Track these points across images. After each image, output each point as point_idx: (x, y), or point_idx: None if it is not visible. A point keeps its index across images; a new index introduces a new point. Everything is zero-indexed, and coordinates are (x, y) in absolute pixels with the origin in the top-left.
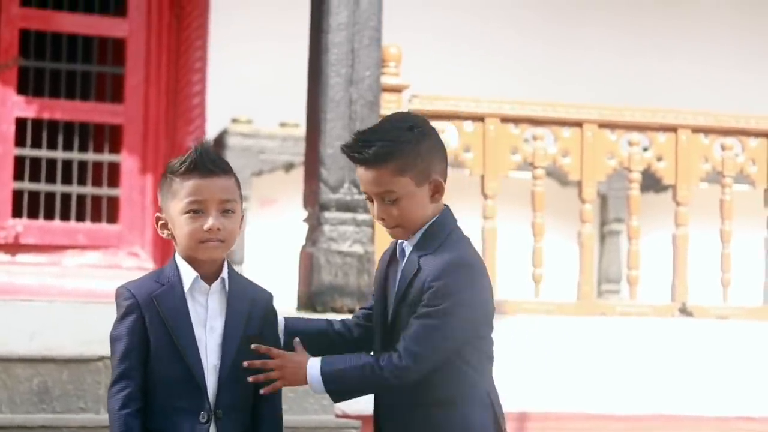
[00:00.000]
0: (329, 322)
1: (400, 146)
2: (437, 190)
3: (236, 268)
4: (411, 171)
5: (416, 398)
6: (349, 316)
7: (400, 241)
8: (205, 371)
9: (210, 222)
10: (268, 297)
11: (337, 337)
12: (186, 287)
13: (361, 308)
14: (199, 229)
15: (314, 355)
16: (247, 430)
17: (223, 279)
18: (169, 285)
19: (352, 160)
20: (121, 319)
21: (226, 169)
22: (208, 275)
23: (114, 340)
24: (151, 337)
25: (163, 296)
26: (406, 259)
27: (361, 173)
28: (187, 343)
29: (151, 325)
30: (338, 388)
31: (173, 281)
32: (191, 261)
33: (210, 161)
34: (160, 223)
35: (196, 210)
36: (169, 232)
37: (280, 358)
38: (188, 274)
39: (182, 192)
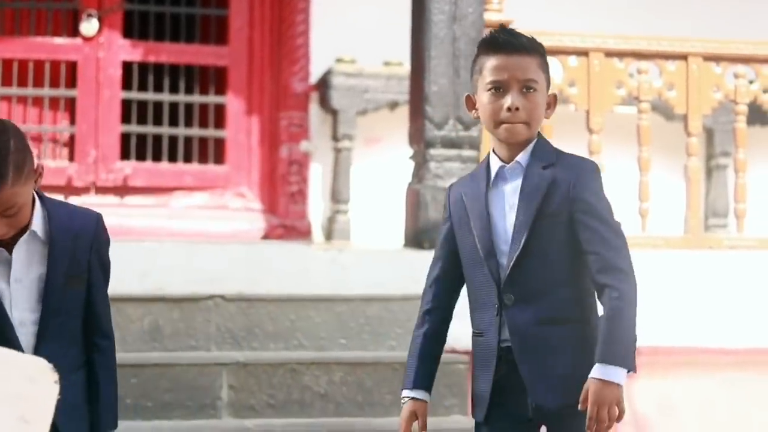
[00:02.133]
0: (430, 344)
1: (542, 47)
2: (552, 105)
3: (343, 207)
4: (546, 72)
5: (558, 312)
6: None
7: (496, 165)
8: (17, 327)
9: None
10: (93, 223)
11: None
12: None
13: (432, 290)
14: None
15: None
16: (77, 364)
17: (32, 232)
18: None
19: (504, 44)
20: None
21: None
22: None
23: None
24: None
25: None
26: (523, 174)
27: (506, 60)
28: None
29: None
30: (632, 355)
31: None
32: None
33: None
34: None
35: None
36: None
37: (585, 401)
38: None
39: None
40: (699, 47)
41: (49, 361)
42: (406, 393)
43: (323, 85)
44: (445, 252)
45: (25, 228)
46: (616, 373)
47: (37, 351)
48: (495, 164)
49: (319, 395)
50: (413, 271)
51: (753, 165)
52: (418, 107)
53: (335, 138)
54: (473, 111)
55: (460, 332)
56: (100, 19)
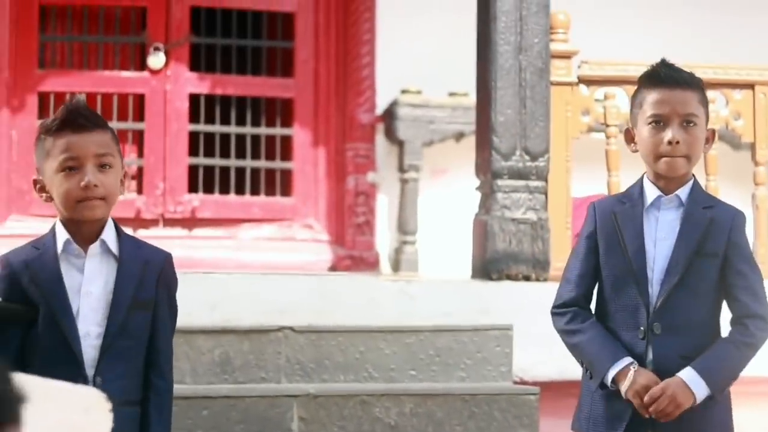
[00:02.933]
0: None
1: (702, 82)
2: (710, 140)
3: (410, 237)
4: (706, 107)
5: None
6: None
7: (653, 193)
8: (83, 341)
9: (86, 178)
10: (163, 257)
11: None
12: (59, 250)
13: (583, 310)
14: (76, 186)
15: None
16: (131, 398)
17: (103, 241)
18: (44, 249)
19: (665, 78)
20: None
21: (99, 123)
22: (89, 237)
23: None
24: (34, 296)
25: (36, 262)
26: (682, 208)
27: (667, 94)
28: (59, 309)
29: (28, 292)
30: (723, 387)
31: (48, 245)
32: (70, 224)
33: (81, 116)
34: (38, 186)
35: (72, 167)
36: (48, 195)
37: (660, 389)
38: (62, 236)
39: (56, 150)
40: (766, 76)
41: (109, 378)
42: (626, 360)
43: (389, 116)
44: (590, 265)
45: (96, 236)
46: (701, 388)
47: (99, 366)
48: (652, 192)
49: (390, 427)
50: (482, 302)
51: None
52: (485, 138)
53: (401, 169)
54: (632, 144)
55: (526, 363)
56: (167, 53)
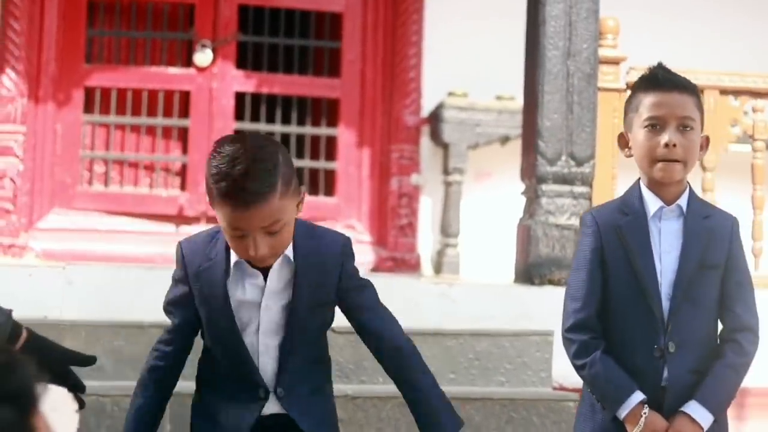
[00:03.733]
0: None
1: (697, 87)
2: (704, 147)
3: (452, 240)
4: (701, 112)
5: (703, 366)
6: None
7: (655, 204)
8: (261, 354)
9: (252, 252)
10: (338, 249)
11: None
12: (231, 267)
13: (592, 321)
14: (244, 253)
15: None
16: (319, 387)
17: (285, 257)
18: (215, 261)
19: (663, 81)
20: (171, 289)
21: (263, 193)
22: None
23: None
24: (201, 309)
25: (207, 274)
26: (683, 219)
27: (664, 97)
28: (226, 328)
29: (197, 297)
30: (725, 409)
31: (218, 260)
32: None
33: (242, 190)
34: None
35: (240, 236)
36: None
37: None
38: (235, 256)
39: (220, 215)
40: None
41: (290, 386)
42: (637, 398)
43: (435, 118)
44: (598, 282)
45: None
46: (706, 418)
47: (279, 377)
48: (653, 202)
49: None
50: (523, 307)
51: None
52: (531, 142)
53: (446, 171)
54: (626, 150)
55: (567, 369)
56: (214, 50)
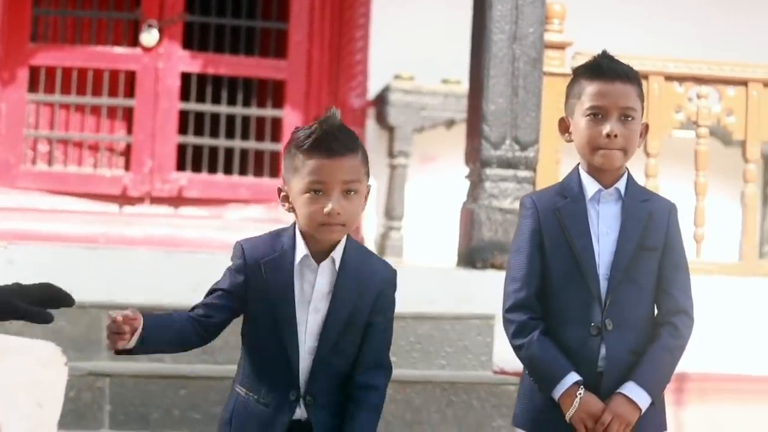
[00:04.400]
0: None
1: (639, 76)
2: (643, 134)
3: (396, 223)
4: (642, 101)
5: (642, 347)
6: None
7: (593, 187)
8: (301, 353)
9: (329, 206)
10: (386, 277)
11: None
12: (296, 261)
13: (532, 300)
14: (319, 211)
15: None
16: (337, 413)
17: (333, 259)
18: (281, 252)
19: (607, 71)
20: (229, 268)
21: (351, 147)
22: (323, 251)
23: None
24: (251, 300)
25: (272, 264)
26: (622, 202)
27: (608, 86)
28: (285, 319)
29: (253, 290)
30: (662, 391)
31: (286, 250)
32: (308, 237)
33: (334, 140)
34: (281, 195)
35: (317, 190)
36: (290, 206)
37: (606, 413)
38: (301, 249)
39: (304, 170)
40: (760, 73)
41: (319, 395)
42: (571, 378)
43: (381, 101)
44: (537, 262)
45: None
46: (644, 399)
47: (311, 383)
48: (591, 186)
49: None
50: (466, 291)
51: None
52: (476, 126)
53: (391, 155)
54: (566, 135)
55: (507, 353)
56: (160, 30)
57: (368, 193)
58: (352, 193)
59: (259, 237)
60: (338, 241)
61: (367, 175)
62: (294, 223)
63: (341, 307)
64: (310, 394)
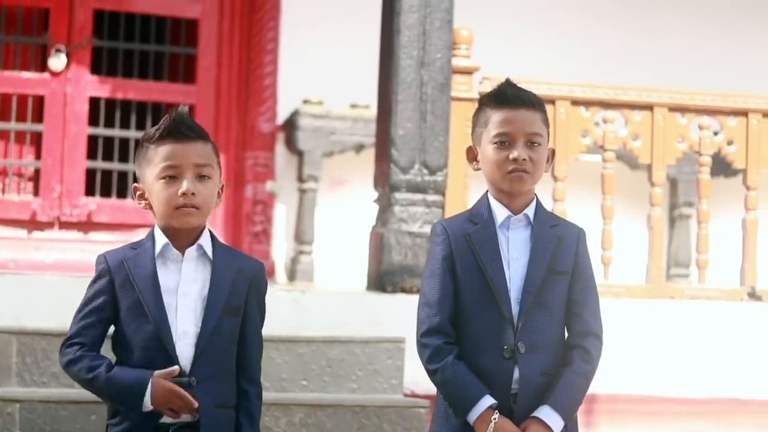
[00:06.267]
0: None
1: (543, 103)
2: (550, 159)
3: (306, 248)
4: (548, 127)
5: (553, 368)
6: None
7: (503, 213)
8: (174, 336)
9: (184, 186)
10: (257, 267)
11: None
12: (156, 252)
13: (446, 326)
14: (174, 194)
15: None
16: (227, 402)
17: (200, 245)
18: (142, 250)
19: (512, 99)
20: (92, 283)
21: (201, 134)
22: (186, 244)
23: (82, 301)
24: (121, 299)
25: (134, 260)
26: (531, 228)
27: (513, 113)
28: (153, 305)
29: (121, 288)
30: (574, 415)
31: (147, 246)
32: (168, 230)
33: (185, 126)
34: (137, 193)
35: (172, 176)
36: (147, 202)
37: None
38: (161, 241)
39: (157, 158)
40: (665, 98)
41: (203, 378)
42: (486, 402)
43: (290, 125)
44: (449, 287)
45: (194, 240)
46: (558, 423)
47: (194, 366)
48: (501, 212)
49: None
50: (376, 315)
51: (716, 216)
52: (384, 151)
53: (300, 179)
54: (474, 163)
55: (418, 376)
56: (68, 55)
57: (222, 190)
58: (206, 178)
59: (118, 247)
60: (196, 228)
61: (220, 168)
62: (153, 227)
63: (219, 291)
64: (194, 376)
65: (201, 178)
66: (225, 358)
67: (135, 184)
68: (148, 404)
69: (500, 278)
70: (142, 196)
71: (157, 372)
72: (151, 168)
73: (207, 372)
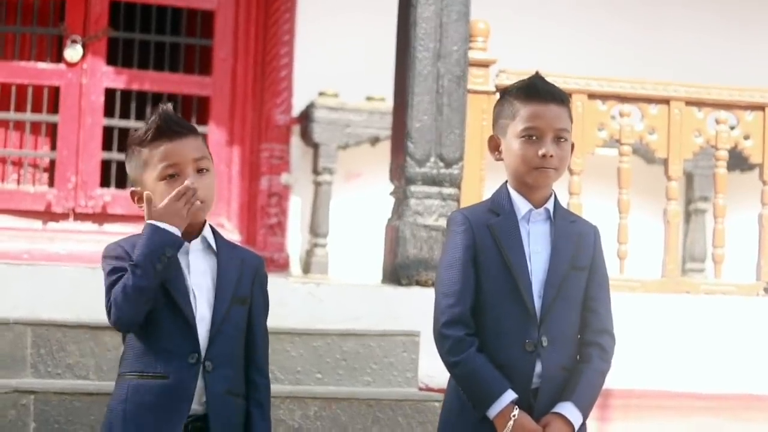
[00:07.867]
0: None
1: (569, 98)
2: (571, 152)
3: (321, 240)
4: (572, 122)
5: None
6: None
7: (525, 206)
8: (197, 319)
9: (188, 183)
10: (259, 260)
11: None
12: None
13: (467, 317)
14: None
15: None
16: (236, 389)
17: (204, 237)
18: None
19: (543, 93)
20: (111, 269)
21: (191, 129)
22: (189, 237)
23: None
24: None
25: None
26: (550, 222)
27: (543, 108)
28: (180, 292)
29: None
30: (591, 407)
31: None
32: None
33: (175, 123)
34: (136, 197)
35: (172, 174)
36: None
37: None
38: None
39: (154, 159)
40: (682, 92)
41: (218, 365)
42: (508, 397)
43: (305, 118)
44: (470, 278)
45: (197, 233)
46: (578, 419)
47: (209, 351)
48: (522, 205)
49: (293, 429)
50: (391, 308)
51: (732, 210)
52: (400, 143)
53: (316, 171)
54: (496, 153)
55: (433, 370)
56: (84, 46)
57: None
58: (205, 170)
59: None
60: (201, 222)
61: (211, 159)
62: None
63: (227, 282)
64: (209, 360)
65: (200, 171)
66: (235, 345)
67: (132, 189)
68: None
69: (524, 271)
70: (141, 200)
71: None
72: (149, 171)
73: (219, 359)
